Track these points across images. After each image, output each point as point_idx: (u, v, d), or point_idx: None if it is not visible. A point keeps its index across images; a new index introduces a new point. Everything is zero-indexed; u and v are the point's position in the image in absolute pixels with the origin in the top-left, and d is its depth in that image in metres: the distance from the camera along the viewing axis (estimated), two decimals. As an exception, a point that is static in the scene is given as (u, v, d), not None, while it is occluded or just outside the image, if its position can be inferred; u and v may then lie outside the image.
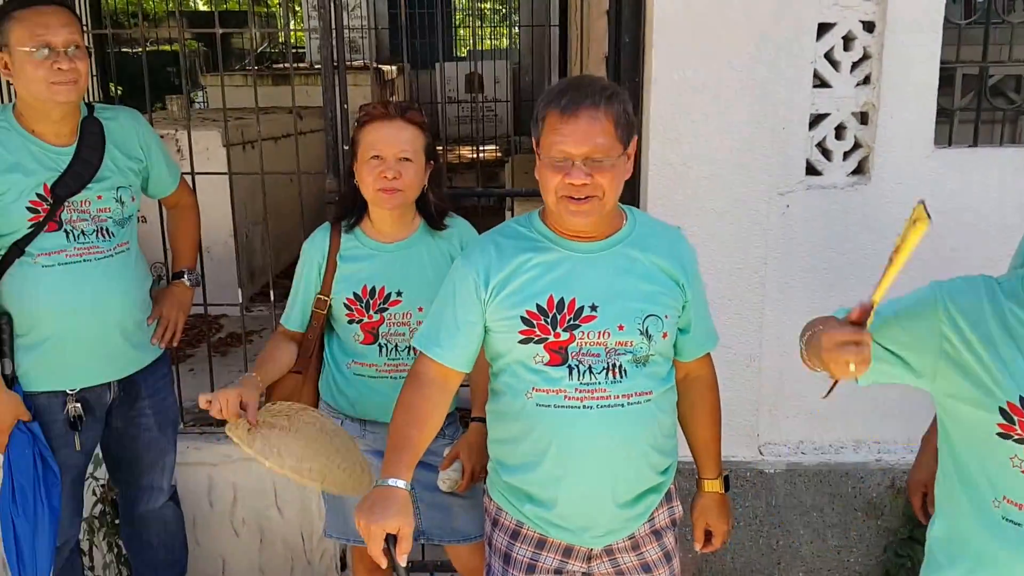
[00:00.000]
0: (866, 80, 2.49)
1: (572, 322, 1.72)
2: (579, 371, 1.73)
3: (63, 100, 2.14)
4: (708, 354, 1.95)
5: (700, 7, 2.36)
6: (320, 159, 6.24)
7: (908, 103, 2.46)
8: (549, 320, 1.73)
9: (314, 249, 2.21)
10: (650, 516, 1.85)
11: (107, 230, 2.28)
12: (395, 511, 1.60)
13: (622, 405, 1.74)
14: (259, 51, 8.86)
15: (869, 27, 2.46)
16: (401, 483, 1.64)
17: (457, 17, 12.86)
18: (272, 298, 3.10)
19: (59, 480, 2.28)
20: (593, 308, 1.73)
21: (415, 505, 2.26)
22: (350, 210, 2.20)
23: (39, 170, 2.18)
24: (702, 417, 1.97)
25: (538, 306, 1.73)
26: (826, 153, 2.54)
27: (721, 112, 2.41)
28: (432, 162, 2.15)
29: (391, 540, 1.60)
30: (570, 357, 1.72)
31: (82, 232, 2.24)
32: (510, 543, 1.87)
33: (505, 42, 12.64)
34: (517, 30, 11.42)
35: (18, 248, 2.19)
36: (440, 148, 2.18)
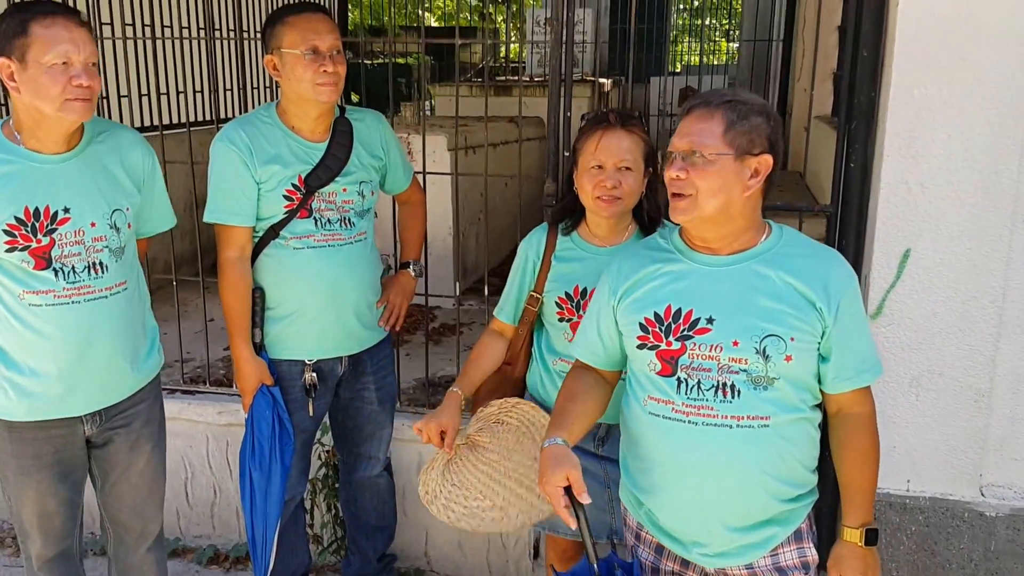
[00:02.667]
0: None
1: (685, 332, 1.73)
2: (687, 385, 1.72)
3: (326, 100, 2.35)
4: (866, 389, 1.80)
5: (950, 22, 2.25)
6: (534, 166, 6.43)
7: None
8: (663, 328, 1.74)
9: (530, 247, 2.31)
10: (773, 550, 1.78)
11: (349, 220, 2.48)
12: (556, 464, 1.67)
13: (730, 426, 1.70)
14: (483, 65, 9.23)
15: None
16: (559, 440, 1.73)
17: (674, 33, 12.83)
18: (486, 293, 3.25)
19: (292, 441, 2.50)
20: (709, 321, 1.72)
21: (609, 504, 2.32)
22: (569, 213, 2.27)
23: (296, 162, 2.40)
24: (848, 457, 1.82)
25: (655, 313, 1.76)
26: (1082, 179, 2.35)
27: (964, 131, 2.28)
28: (651, 170, 2.18)
29: (569, 492, 1.65)
30: (679, 369, 1.73)
31: (328, 220, 2.45)
32: (635, 543, 1.92)
33: (723, 57, 12.46)
34: (737, 45, 11.23)
35: (273, 231, 2.43)
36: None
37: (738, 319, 1.70)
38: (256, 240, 2.45)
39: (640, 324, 1.78)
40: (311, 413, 2.57)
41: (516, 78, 6.87)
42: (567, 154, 2.76)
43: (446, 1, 17.02)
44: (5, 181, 2.05)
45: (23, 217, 2.05)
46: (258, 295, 2.46)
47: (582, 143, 2.16)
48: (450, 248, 4.51)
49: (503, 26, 14.79)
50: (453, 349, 3.58)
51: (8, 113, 2.15)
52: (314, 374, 2.53)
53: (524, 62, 8.85)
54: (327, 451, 3.08)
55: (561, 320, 2.26)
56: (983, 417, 2.47)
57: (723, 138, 1.66)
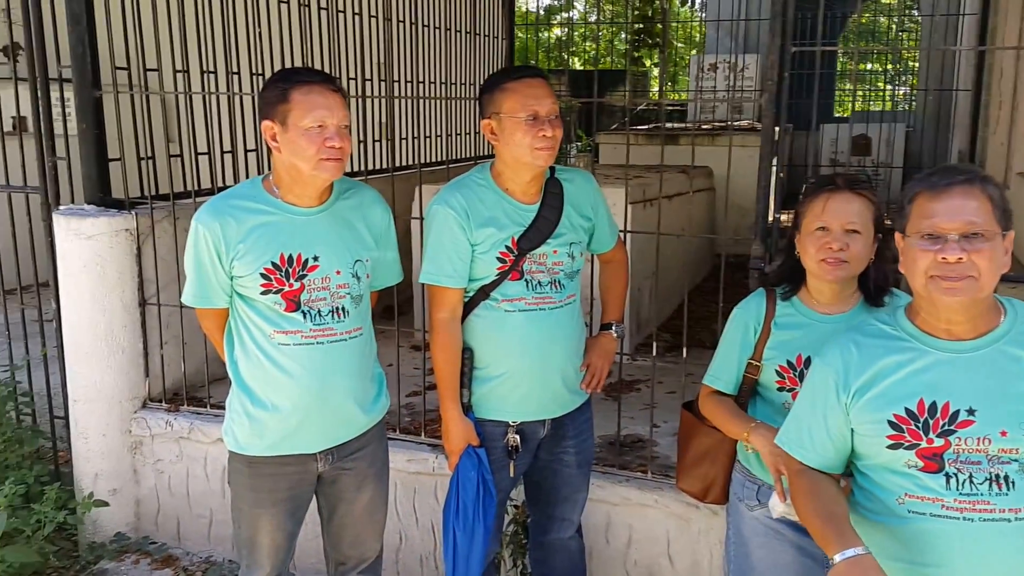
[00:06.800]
0: None
1: (946, 427, 1.65)
2: (958, 480, 1.64)
3: (543, 164, 2.37)
4: None
5: None
6: (704, 218, 6.32)
7: None
8: (920, 425, 1.66)
9: (749, 314, 2.25)
10: None
11: (559, 283, 2.48)
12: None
13: (1008, 520, 1.61)
14: (636, 110, 9.26)
15: None
16: (868, 549, 1.62)
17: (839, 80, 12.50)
18: (684, 353, 3.19)
19: (495, 501, 2.50)
20: (970, 412, 1.64)
21: None
22: (787, 278, 2.21)
23: (509, 225, 2.42)
24: None
25: (907, 410, 1.67)
26: None
27: None
28: (880, 236, 2.09)
29: None
30: (947, 464, 1.64)
31: (539, 283, 2.45)
32: None
33: (889, 104, 12.02)
34: (903, 90, 10.84)
35: (484, 292, 2.45)
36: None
37: (1001, 407, 1.63)
38: (466, 300, 2.48)
39: (890, 422, 1.70)
40: (511, 474, 2.57)
41: (683, 125, 6.81)
42: (778, 216, 2.71)
43: (591, 45, 17.17)
44: (265, 230, 2.24)
45: (278, 263, 2.23)
46: (467, 356, 2.48)
47: (807, 206, 2.11)
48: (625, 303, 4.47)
49: (653, 70, 14.84)
50: (632, 407, 3.54)
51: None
52: (517, 436, 2.53)
53: (683, 105, 8.76)
54: (515, 506, 3.07)
55: (781, 389, 2.20)
56: None
57: (992, 215, 1.62)
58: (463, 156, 6.77)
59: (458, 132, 6.62)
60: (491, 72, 2.56)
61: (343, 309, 2.32)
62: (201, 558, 3.63)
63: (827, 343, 1.85)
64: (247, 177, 3.62)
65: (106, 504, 3.57)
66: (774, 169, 2.71)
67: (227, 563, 3.56)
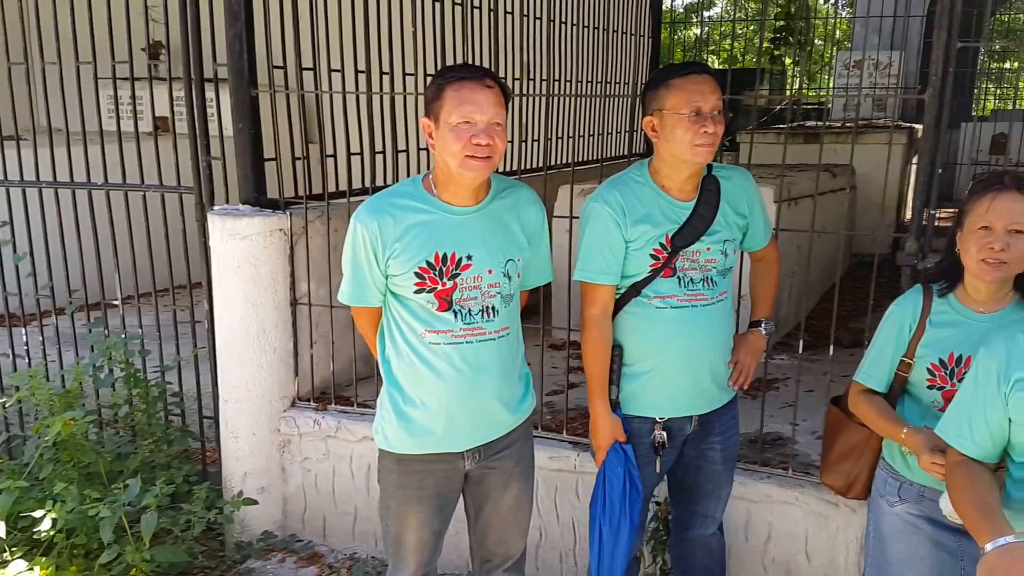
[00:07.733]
0: None
1: None
2: None
3: (701, 161, 2.36)
4: None
5: None
6: (844, 217, 6.08)
7: None
8: None
9: (905, 311, 2.23)
10: None
11: (712, 279, 2.47)
12: None
13: None
14: (778, 108, 9.02)
15: None
16: (1016, 537, 1.64)
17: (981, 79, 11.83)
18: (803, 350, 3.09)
19: (641, 497, 2.52)
20: None
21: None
22: (946, 275, 2.18)
23: (664, 222, 2.42)
24: None
25: None
26: None
27: None
28: None
29: None
30: None
31: (691, 280, 2.45)
32: None
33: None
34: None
35: (635, 289, 2.46)
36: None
37: None
38: (617, 297, 2.50)
39: None
40: (657, 470, 2.58)
41: (825, 123, 6.63)
42: (933, 212, 2.65)
43: (731, 43, 16.78)
44: (421, 228, 2.25)
45: (433, 262, 2.25)
46: (616, 352, 2.50)
47: (971, 204, 2.08)
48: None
49: (793, 68, 14.39)
50: (770, 405, 3.47)
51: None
52: (664, 432, 2.54)
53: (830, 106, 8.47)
54: (656, 503, 3.07)
55: (931, 388, 2.17)
56: None
57: None
58: (614, 155, 6.69)
59: (608, 131, 6.57)
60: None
61: (493, 308, 2.31)
62: (345, 555, 3.67)
63: (994, 333, 1.85)
64: (397, 178, 3.70)
65: (255, 502, 3.58)
66: (936, 164, 2.62)
67: (371, 560, 3.62)
